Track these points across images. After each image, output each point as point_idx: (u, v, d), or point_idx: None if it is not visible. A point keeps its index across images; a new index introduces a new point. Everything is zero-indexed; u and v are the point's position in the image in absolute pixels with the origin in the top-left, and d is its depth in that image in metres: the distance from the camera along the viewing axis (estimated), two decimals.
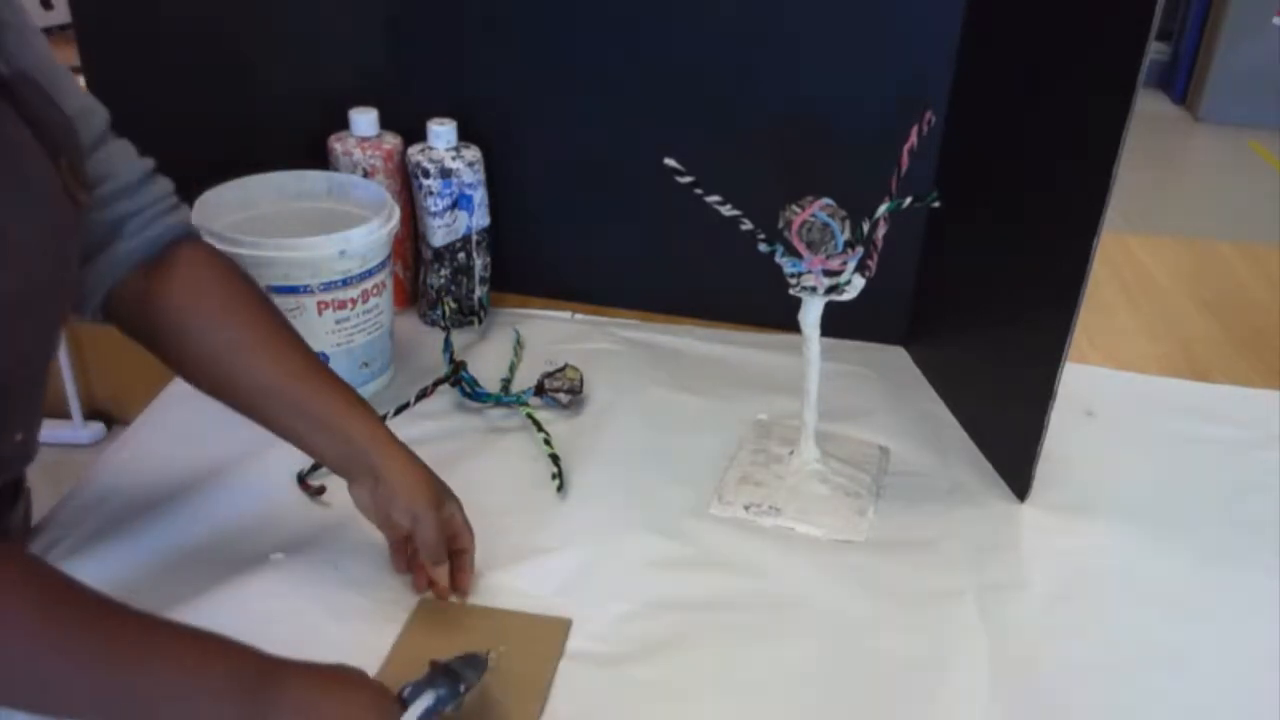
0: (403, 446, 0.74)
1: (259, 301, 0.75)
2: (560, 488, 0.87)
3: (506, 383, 1.00)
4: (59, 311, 0.67)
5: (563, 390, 0.96)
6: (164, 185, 0.74)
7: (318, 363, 0.75)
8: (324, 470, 0.87)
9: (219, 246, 0.87)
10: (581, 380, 0.97)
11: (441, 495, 0.74)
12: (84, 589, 0.57)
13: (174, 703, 0.56)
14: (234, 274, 0.76)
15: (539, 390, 0.96)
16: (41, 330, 0.66)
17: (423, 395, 0.94)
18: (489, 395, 0.96)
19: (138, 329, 0.74)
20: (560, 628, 0.73)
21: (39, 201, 0.61)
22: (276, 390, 0.73)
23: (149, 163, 0.73)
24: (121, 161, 0.71)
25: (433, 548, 0.72)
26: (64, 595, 0.56)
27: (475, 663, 0.65)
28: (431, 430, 0.93)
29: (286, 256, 0.88)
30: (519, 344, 1.07)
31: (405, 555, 0.76)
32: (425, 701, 0.61)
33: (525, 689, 0.69)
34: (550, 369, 0.97)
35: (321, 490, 0.85)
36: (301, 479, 0.86)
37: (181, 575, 0.75)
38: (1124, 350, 1.12)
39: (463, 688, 0.63)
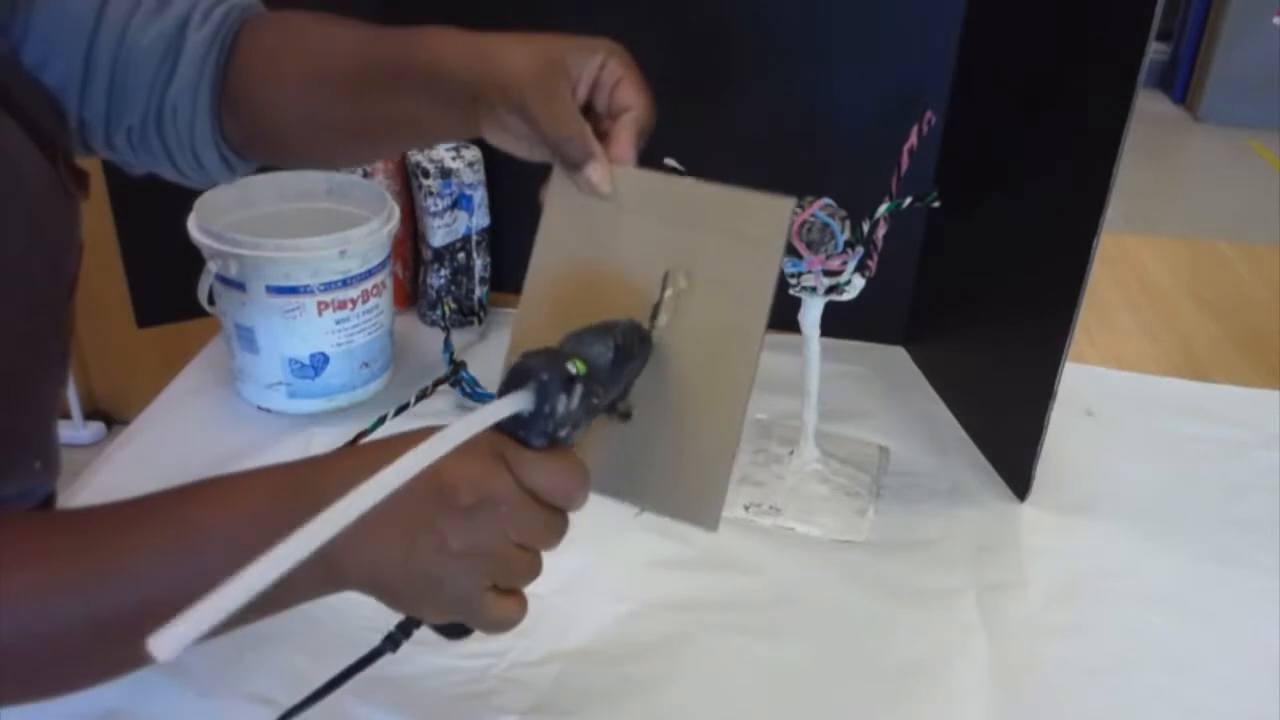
0: (478, 36, 0.57)
1: (329, 24, 0.65)
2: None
3: None
4: (59, 331, 0.65)
5: None
6: None
7: (388, 41, 0.62)
8: None
9: (218, 247, 0.88)
10: None
11: (554, 57, 0.54)
12: (53, 520, 0.48)
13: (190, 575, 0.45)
14: (306, 18, 0.66)
15: None
16: (40, 350, 0.63)
17: (423, 395, 0.94)
18: (489, 395, 0.96)
19: (248, 137, 0.66)
20: (780, 211, 0.50)
21: (34, 209, 0.59)
22: (357, 94, 0.61)
23: None
24: None
25: (549, 129, 0.51)
26: (40, 532, 0.47)
27: (609, 334, 0.45)
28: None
29: (286, 256, 0.88)
30: None
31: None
32: (478, 420, 0.41)
33: (737, 300, 0.48)
34: None
35: None
36: None
37: None
38: (1124, 350, 1.12)
39: (576, 387, 0.43)
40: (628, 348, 0.46)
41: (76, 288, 0.67)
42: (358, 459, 0.48)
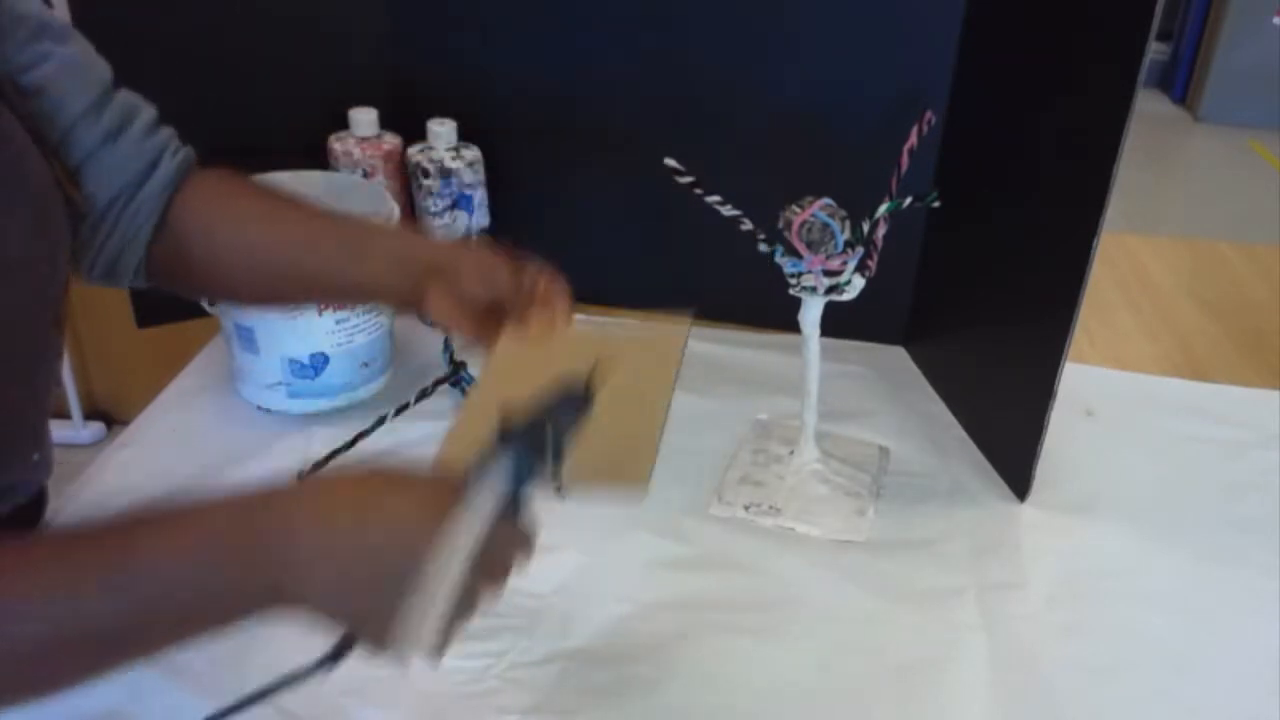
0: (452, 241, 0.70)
1: (276, 189, 0.74)
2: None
3: None
4: (56, 323, 0.67)
5: None
6: (165, 126, 0.73)
7: (342, 214, 0.72)
8: (323, 471, 0.86)
9: None
10: None
11: (515, 260, 0.68)
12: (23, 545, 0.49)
13: (156, 612, 0.47)
14: (247, 178, 0.75)
15: None
16: (39, 341, 0.65)
17: (423, 395, 0.94)
18: None
19: (173, 260, 0.71)
20: (679, 332, 0.65)
21: (38, 202, 0.61)
22: (313, 242, 0.70)
23: (148, 104, 0.72)
24: (138, 100, 0.71)
25: (527, 288, 0.66)
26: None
27: (569, 397, 0.50)
28: (431, 430, 0.93)
29: None
30: None
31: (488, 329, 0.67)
32: (495, 484, 0.45)
33: (640, 408, 0.59)
34: None
35: None
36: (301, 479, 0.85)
37: None
38: (1124, 350, 1.12)
39: (551, 437, 0.48)
40: (580, 406, 0.52)
41: (70, 285, 0.67)
42: (299, 500, 0.49)
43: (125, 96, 0.70)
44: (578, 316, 0.66)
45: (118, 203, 0.69)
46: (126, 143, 0.69)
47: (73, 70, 0.66)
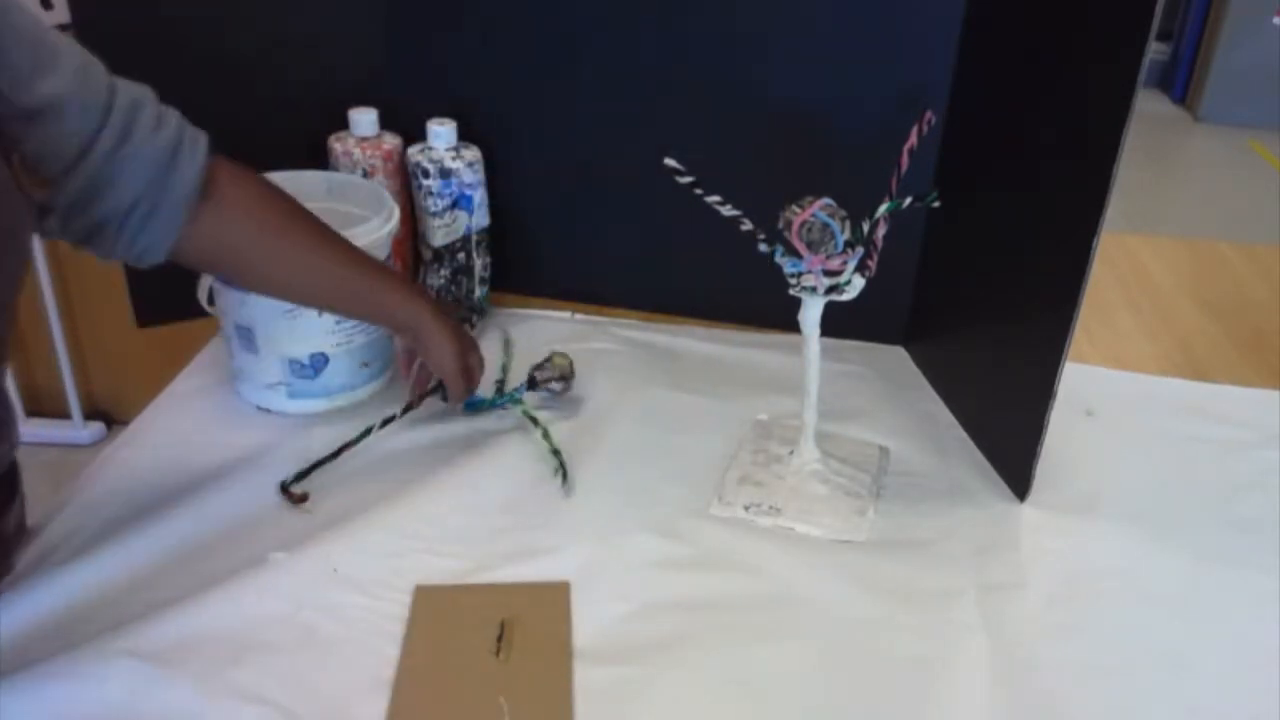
0: (439, 316, 0.86)
1: (298, 208, 0.81)
2: (564, 481, 0.87)
3: (500, 384, 1.00)
4: (10, 313, 0.67)
5: (554, 379, 0.96)
6: (169, 108, 0.74)
7: (357, 251, 0.84)
8: (308, 478, 0.86)
9: None
10: (571, 366, 0.96)
11: (466, 350, 0.88)
12: None
13: None
14: (270, 187, 0.81)
15: (530, 385, 0.96)
16: None
17: (424, 395, 0.93)
18: (483, 401, 0.96)
19: (203, 252, 0.76)
20: (561, 591, 0.76)
21: None
22: (334, 281, 0.82)
23: (146, 88, 0.73)
24: (139, 93, 0.71)
25: (459, 395, 0.90)
26: None
27: None
28: (431, 430, 0.93)
29: None
30: (508, 345, 1.06)
31: (411, 366, 0.91)
32: None
33: (549, 651, 0.71)
34: (538, 361, 0.97)
35: (304, 498, 0.84)
36: (284, 487, 0.85)
37: (181, 575, 0.75)
38: (1124, 350, 1.12)
39: None
40: None
41: (22, 285, 0.69)
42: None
43: (129, 92, 0.70)
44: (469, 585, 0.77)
45: (139, 206, 0.70)
46: (139, 143, 0.69)
47: (76, 86, 0.66)
